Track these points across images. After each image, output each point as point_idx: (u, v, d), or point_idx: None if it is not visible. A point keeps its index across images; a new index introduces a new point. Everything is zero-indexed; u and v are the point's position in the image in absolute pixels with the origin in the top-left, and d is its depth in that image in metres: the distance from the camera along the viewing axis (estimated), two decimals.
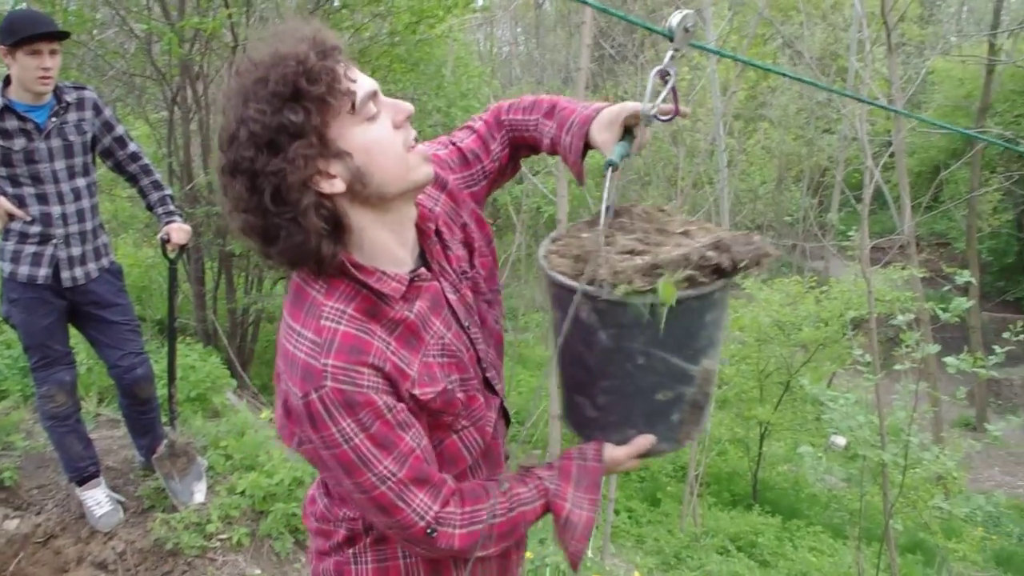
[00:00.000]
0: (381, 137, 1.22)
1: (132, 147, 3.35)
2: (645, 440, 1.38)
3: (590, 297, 1.30)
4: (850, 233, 8.47)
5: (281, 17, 7.32)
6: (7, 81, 3.02)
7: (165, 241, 3.35)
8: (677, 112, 1.43)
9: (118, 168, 3.39)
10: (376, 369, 1.21)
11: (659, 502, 10.08)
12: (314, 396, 1.18)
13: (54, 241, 3.14)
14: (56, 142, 3.09)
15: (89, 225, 3.24)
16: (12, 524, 3.41)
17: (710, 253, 1.29)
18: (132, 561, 3.33)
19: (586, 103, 1.55)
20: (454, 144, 1.61)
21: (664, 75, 1.38)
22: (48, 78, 2.97)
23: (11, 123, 3.00)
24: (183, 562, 3.38)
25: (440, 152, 1.56)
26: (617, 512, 8.89)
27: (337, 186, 1.20)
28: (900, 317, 6.22)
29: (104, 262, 3.33)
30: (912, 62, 18.11)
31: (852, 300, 10.31)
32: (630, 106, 1.42)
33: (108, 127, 3.27)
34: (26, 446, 3.97)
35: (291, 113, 1.13)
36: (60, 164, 3.12)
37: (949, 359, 5.87)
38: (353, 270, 1.25)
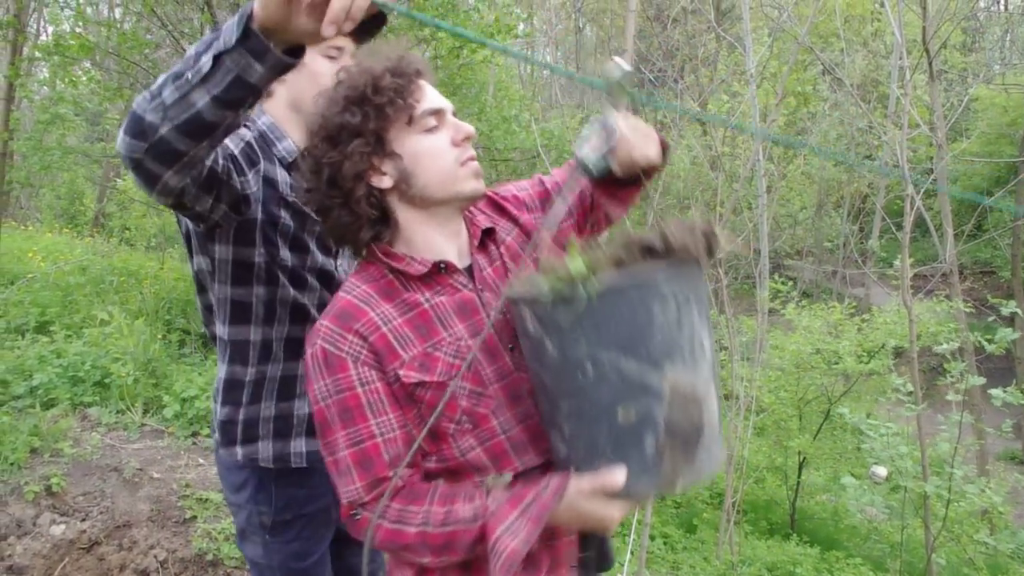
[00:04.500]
0: (433, 148, 1.36)
1: None
2: (616, 471, 1.19)
3: (530, 303, 1.22)
4: (894, 262, 8.37)
5: None
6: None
7: None
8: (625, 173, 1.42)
9: None
10: (361, 337, 1.31)
11: (695, 529, 9.95)
12: (308, 351, 1.33)
13: None
14: None
15: None
16: (58, 530, 3.46)
17: (643, 236, 1.19)
18: (173, 570, 3.36)
19: None
20: (543, 183, 1.67)
21: (610, 131, 1.38)
22: None
23: (282, 173, 1.84)
24: (223, 573, 3.40)
25: (522, 194, 1.63)
26: (652, 538, 8.79)
27: (385, 182, 1.35)
28: (943, 346, 6.14)
29: None
30: (955, 90, 17.94)
31: (895, 330, 10.17)
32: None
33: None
34: (74, 453, 4.03)
35: (350, 115, 1.30)
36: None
37: (995, 391, 5.77)
38: (382, 256, 1.38)
